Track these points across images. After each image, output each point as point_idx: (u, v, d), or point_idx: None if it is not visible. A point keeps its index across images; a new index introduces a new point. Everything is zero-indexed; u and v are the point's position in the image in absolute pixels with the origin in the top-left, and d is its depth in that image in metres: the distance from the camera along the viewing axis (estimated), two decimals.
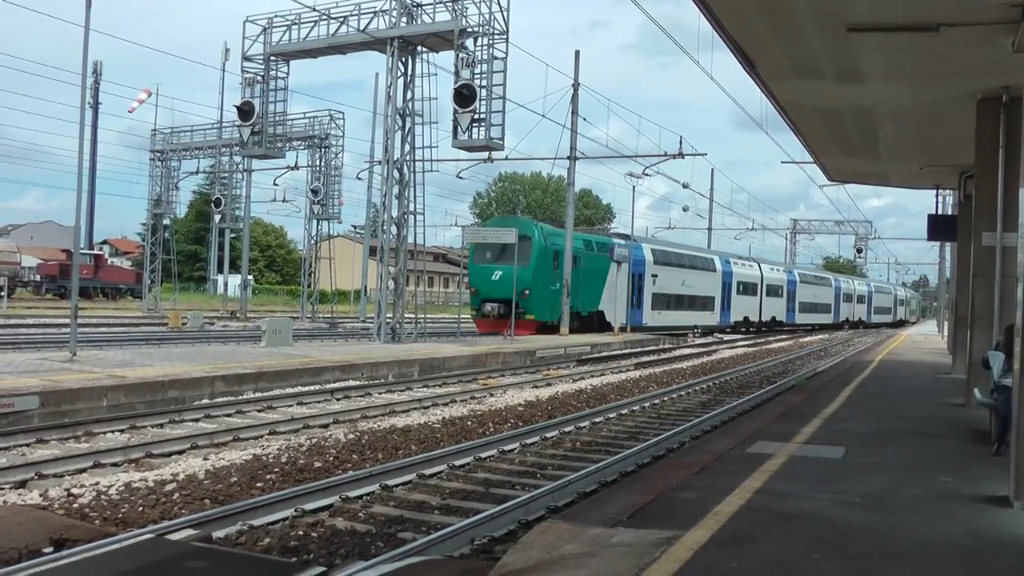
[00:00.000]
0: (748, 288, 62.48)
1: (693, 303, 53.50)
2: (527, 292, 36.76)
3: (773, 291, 67.66)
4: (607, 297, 43.48)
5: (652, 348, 38.44)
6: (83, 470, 10.80)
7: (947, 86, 15.32)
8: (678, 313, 51.36)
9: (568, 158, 40.80)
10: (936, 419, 14.84)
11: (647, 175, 45.35)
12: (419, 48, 28.90)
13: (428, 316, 33.69)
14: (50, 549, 7.19)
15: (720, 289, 57.56)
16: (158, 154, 53.76)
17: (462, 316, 41.54)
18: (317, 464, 11.54)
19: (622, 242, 45.47)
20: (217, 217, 56.55)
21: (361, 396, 18.69)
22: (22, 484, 10.03)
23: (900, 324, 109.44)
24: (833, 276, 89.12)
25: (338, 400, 17.95)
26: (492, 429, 15.19)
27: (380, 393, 19.26)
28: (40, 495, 9.50)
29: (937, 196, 28.61)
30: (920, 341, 50.14)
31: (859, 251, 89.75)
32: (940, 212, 29.15)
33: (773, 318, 67.49)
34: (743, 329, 61.98)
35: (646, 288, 47.58)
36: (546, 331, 38.31)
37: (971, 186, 19.30)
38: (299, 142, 48.64)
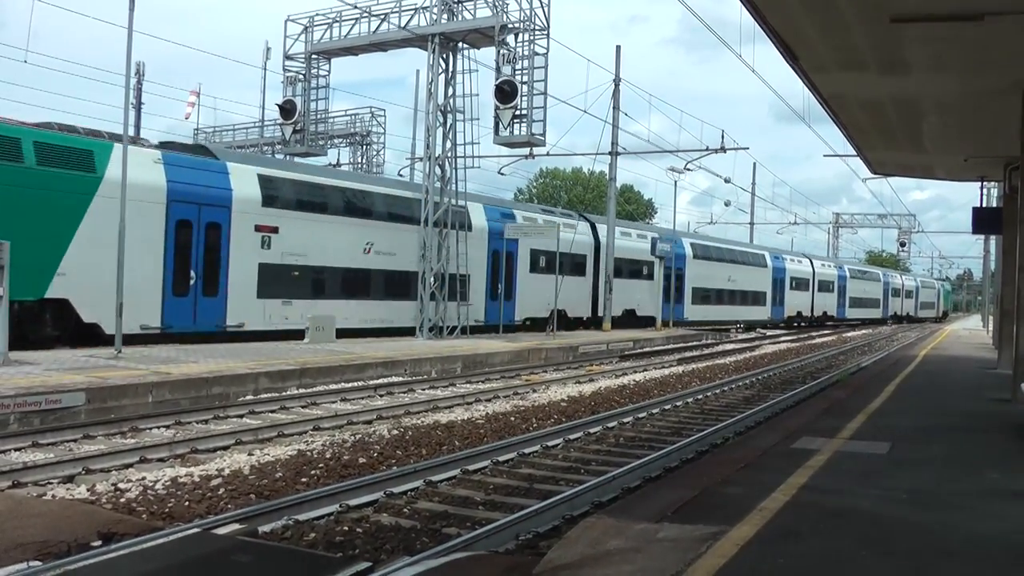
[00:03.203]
0: (561, 266, 34.23)
1: (408, 287, 29.58)
2: None
3: (629, 270, 42.45)
4: (78, 266, 20.77)
5: (694, 344, 38.13)
6: (129, 465, 10.92)
7: (992, 76, 15.12)
8: (374, 305, 28.78)
9: (609, 153, 40.73)
10: (982, 414, 14.68)
11: (689, 170, 44.98)
12: (460, 44, 28.96)
13: None
14: (98, 543, 7.28)
15: (486, 264, 32.92)
16: None
17: None
18: (361, 460, 11.59)
19: (182, 157, 24.02)
20: None
21: (404, 392, 18.76)
22: (70, 479, 10.16)
23: (898, 320, 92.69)
24: (771, 254, 61.57)
25: (381, 396, 18.02)
26: (535, 425, 15.20)
27: (423, 389, 19.31)
28: (88, 490, 9.62)
29: (982, 188, 28.26)
30: (965, 336, 49.64)
31: (902, 245, 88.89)
32: (985, 204, 28.82)
33: (631, 312, 42.64)
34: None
35: (237, 255, 24.41)
36: None
37: (1016, 177, 19.06)
38: (340, 139, 48.88)
